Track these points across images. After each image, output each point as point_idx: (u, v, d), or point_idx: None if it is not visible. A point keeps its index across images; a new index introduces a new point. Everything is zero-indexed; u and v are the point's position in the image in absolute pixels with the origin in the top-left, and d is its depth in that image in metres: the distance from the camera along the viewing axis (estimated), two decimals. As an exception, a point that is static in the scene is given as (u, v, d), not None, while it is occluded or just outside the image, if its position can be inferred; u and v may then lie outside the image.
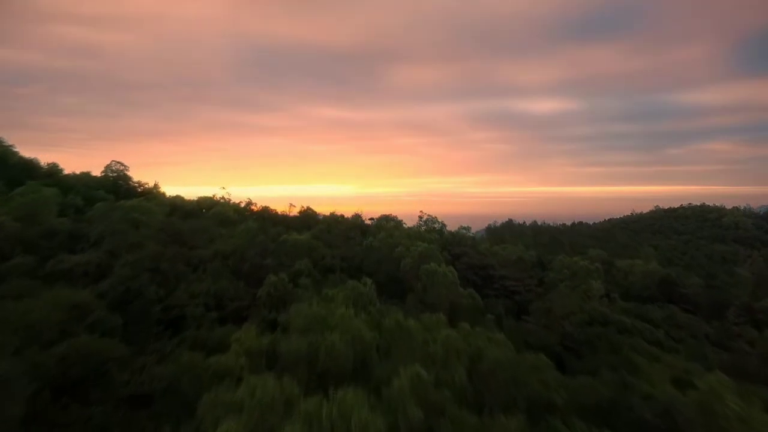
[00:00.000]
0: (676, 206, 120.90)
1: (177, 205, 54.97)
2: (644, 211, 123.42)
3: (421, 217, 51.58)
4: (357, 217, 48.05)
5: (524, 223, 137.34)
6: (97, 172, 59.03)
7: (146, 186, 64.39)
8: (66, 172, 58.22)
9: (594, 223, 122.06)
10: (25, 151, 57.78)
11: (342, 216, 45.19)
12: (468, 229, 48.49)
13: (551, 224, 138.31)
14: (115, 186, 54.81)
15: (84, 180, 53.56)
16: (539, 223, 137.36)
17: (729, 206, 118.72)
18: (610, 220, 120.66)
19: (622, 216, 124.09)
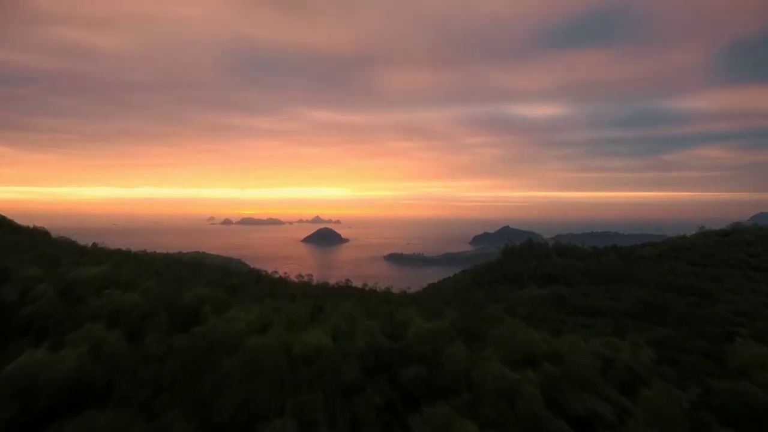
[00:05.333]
0: (727, 228, 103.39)
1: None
2: (688, 234, 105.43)
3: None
4: (367, 336, 15.77)
5: (546, 242, 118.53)
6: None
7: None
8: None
9: (632, 247, 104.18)
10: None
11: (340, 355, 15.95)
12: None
13: (575, 243, 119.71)
14: None
15: None
16: (559, 239, 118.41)
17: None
18: (652, 245, 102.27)
19: (663, 238, 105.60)
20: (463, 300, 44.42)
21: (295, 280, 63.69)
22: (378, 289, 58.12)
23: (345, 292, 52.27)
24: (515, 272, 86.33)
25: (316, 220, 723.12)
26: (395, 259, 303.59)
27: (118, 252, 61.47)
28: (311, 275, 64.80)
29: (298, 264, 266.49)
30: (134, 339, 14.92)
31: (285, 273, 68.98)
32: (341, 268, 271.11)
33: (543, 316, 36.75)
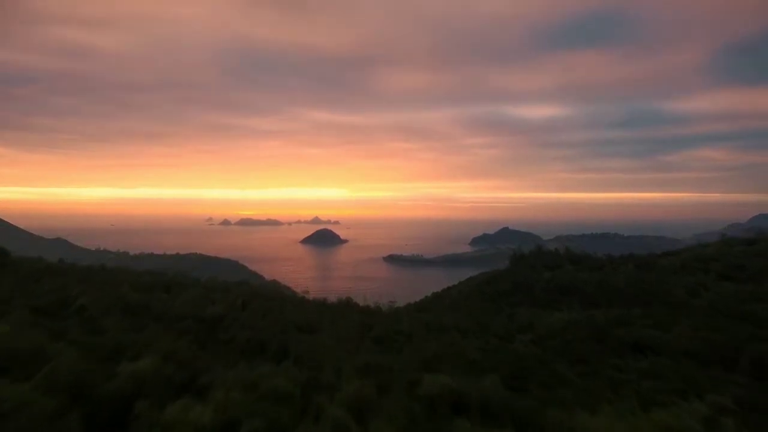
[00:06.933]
0: (750, 237, 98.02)
1: None
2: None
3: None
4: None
5: (556, 250, 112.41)
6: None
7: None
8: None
9: (650, 257, 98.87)
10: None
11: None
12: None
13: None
14: None
15: None
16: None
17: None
18: (673, 254, 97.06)
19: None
20: (482, 327, 38.37)
21: (294, 290, 58.19)
22: (382, 307, 52.70)
23: (346, 311, 46.39)
24: (527, 283, 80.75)
25: (315, 220, 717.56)
26: (394, 260, 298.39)
27: (90, 269, 55.35)
28: (308, 291, 59.04)
29: (297, 265, 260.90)
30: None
31: (281, 280, 63.57)
32: (341, 269, 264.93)
33: (582, 353, 31.09)
